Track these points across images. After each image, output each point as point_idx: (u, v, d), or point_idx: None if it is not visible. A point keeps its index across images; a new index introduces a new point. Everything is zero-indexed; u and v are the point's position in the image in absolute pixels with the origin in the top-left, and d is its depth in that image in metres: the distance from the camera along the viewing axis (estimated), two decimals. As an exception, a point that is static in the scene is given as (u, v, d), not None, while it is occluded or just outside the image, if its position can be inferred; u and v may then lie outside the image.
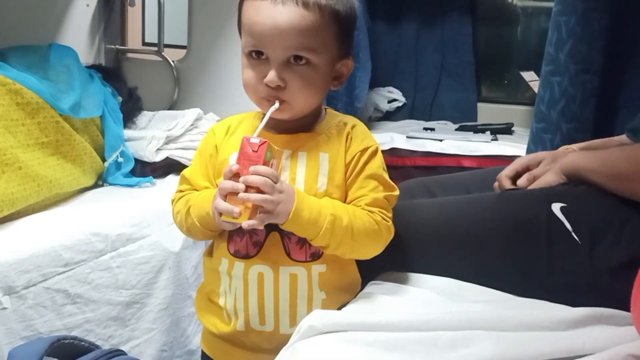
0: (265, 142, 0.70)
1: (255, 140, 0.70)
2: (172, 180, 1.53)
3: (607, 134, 1.12)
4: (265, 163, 0.70)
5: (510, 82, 2.52)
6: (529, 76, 2.13)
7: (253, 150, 0.70)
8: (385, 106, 2.52)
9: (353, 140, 0.81)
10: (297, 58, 0.75)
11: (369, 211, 0.78)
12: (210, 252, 0.86)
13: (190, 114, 1.64)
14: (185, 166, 1.24)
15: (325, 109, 0.86)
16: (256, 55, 0.76)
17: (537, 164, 0.97)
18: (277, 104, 0.76)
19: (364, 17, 2.14)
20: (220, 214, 0.71)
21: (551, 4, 1.40)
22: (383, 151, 2.04)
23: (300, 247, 0.79)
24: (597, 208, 0.80)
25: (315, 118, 0.84)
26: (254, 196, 0.69)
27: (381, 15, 2.54)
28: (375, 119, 2.54)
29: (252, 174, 0.69)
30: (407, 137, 2.13)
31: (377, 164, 0.81)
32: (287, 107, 0.77)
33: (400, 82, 2.58)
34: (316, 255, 0.80)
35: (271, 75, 0.74)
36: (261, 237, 0.79)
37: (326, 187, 0.79)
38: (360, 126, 0.84)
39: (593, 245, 0.78)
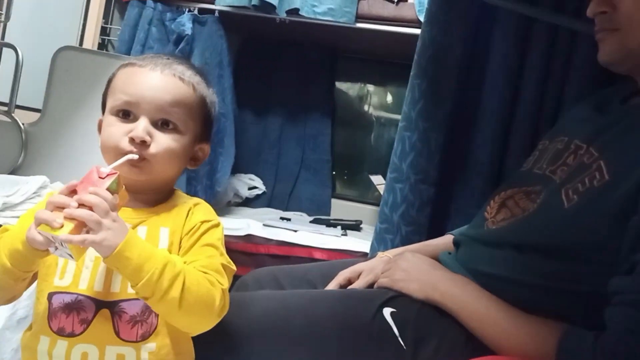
0: (116, 173, 0.67)
1: (105, 169, 0.67)
2: (1, 250, 1.38)
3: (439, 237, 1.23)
4: (109, 192, 0.66)
5: (362, 183, 2.70)
6: (377, 179, 2.30)
7: (99, 177, 0.66)
8: (245, 192, 2.55)
9: (194, 214, 0.80)
10: (165, 123, 0.77)
11: (203, 272, 0.74)
12: (29, 333, 0.78)
13: (35, 181, 1.52)
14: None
15: (175, 190, 0.86)
16: (123, 115, 0.77)
17: (357, 276, 1.04)
18: (136, 156, 0.74)
19: (232, 105, 2.21)
20: (39, 224, 0.64)
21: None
22: (239, 237, 2.08)
23: (131, 327, 0.74)
24: (421, 317, 0.85)
25: (164, 197, 0.83)
26: (80, 211, 0.63)
27: (249, 106, 2.63)
28: (235, 204, 2.56)
29: (90, 194, 0.65)
30: (264, 225, 2.16)
31: (217, 236, 0.79)
32: (146, 167, 0.76)
33: (261, 171, 2.65)
34: (147, 335, 0.75)
35: (138, 129, 0.74)
36: (89, 314, 0.74)
37: None
38: (205, 204, 0.84)
39: (416, 353, 0.82)
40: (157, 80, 0.77)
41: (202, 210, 0.82)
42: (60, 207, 0.64)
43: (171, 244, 0.77)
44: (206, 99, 0.83)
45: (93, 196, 0.65)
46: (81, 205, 0.64)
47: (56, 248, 0.65)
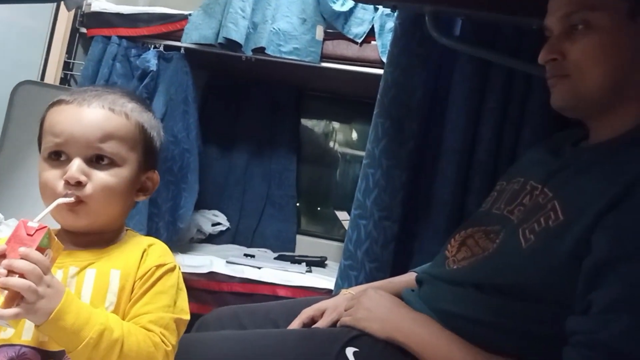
0: (45, 227, 0.62)
1: (33, 224, 0.62)
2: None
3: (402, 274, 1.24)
4: (40, 250, 0.61)
5: (327, 219, 2.70)
6: (342, 215, 2.31)
7: (28, 234, 0.61)
8: (208, 229, 2.52)
9: (149, 256, 0.76)
10: (100, 158, 0.73)
11: (148, 329, 0.70)
12: None
13: (-12, 217, 1.48)
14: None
15: (127, 229, 0.82)
16: (55, 157, 0.73)
17: (321, 314, 1.03)
18: (69, 199, 0.70)
19: (197, 140, 2.20)
20: None
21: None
22: (201, 274, 2.05)
23: None
24: (385, 356, 0.85)
25: (114, 236, 0.79)
26: (15, 280, 0.59)
27: (214, 141, 2.63)
28: (197, 240, 2.52)
29: (20, 258, 0.60)
30: (227, 262, 2.13)
31: (172, 282, 0.75)
32: (84, 211, 0.72)
33: (226, 207, 2.63)
34: None
35: (72, 170, 0.70)
36: None
37: (114, 307, 0.72)
38: (160, 245, 0.79)
39: None
40: (85, 115, 0.73)
41: (157, 252, 0.77)
42: None
43: (122, 288, 0.73)
44: (144, 125, 0.78)
45: (24, 262, 0.60)
46: (11, 272, 0.59)
47: None
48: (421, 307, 0.93)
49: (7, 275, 0.59)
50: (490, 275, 0.83)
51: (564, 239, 0.74)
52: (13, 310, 0.59)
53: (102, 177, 0.73)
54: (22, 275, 0.59)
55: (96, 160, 0.73)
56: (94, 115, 0.74)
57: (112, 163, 0.74)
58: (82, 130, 0.72)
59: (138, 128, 0.77)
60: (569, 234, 0.74)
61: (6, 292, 0.59)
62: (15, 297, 0.59)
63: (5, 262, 0.60)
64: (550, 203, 0.79)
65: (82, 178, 0.71)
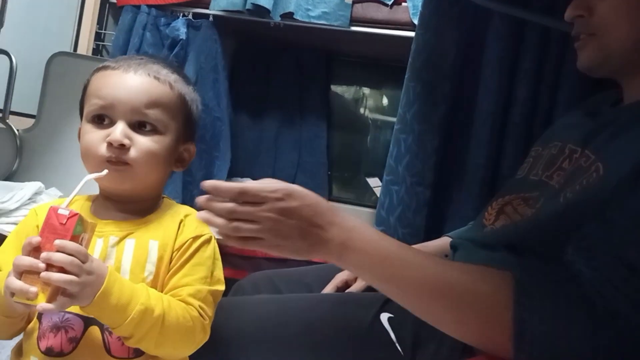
0: (77, 214, 0.62)
1: (64, 211, 0.61)
2: (-3, 257, 1.38)
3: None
4: (74, 238, 0.61)
5: (359, 186, 2.70)
6: (373, 182, 2.30)
7: (60, 223, 0.60)
8: (241, 196, 2.55)
9: (186, 227, 0.77)
10: (143, 125, 0.74)
11: (188, 303, 0.72)
12: (19, 351, 0.76)
13: (30, 187, 1.53)
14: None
15: (164, 197, 0.83)
16: (99, 120, 0.74)
17: (354, 279, 1.03)
18: (105, 171, 0.71)
19: (227, 109, 2.21)
20: (13, 294, 0.61)
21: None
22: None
23: (122, 343, 0.72)
24: (419, 321, 0.82)
25: (152, 205, 0.80)
26: (57, 276, 0.59)
27: (245, 110, 2.64)
28: (231, 207, 2.56)
29: (57, 251, 0.60)
30: (260, 228, 2.16)
31: (209, 254, 0.77)
32: (128, 173, 0.73)
33: (258, 174, 2.63)
34: (139, 351, 0.73)
35: (116, 133, 0.71)
36: (78, 332, 0.72)
37: (153, 277, 0.74)
38: (195, 216, 0.81)
39: (414, 358, 0.80)
40: (131, 81, 0.74)
41: (193, 222, 0.78)
42: (31, 271, 0.60)
43: (160, 258, 0.75)
44: (185, 96, 0.79)
45: (62, 256, 0.60)
46: (50, 266, 0.60)
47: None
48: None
49: (46, 269, 0.60)
50: (527, 236, 0.82)
51: (604, 189, 0.71)
52: (59, 302, 0.61)
53: (145, 142, 0.74)
54: (61, 269, 0.60)
55: (139, 126, 0.74)
56: (139, 81, 0.75)
57: (155, 130, 0.75)
58: (128, 96, 0.73)
59: (180, 98, 0.78)
60: (609, 184, 0.71)
61: (45, 285, 0.60)
62: (58, 290, 0.60)
63: (43, 255, 0.60)
64: (594, 165, 0.77)
65: (126, 141, 0.72)
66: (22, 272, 0.61)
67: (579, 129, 0.87)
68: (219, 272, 0.79)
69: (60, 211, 0.61)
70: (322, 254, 0.70)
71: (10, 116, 1.85)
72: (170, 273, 0.75)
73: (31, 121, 1.86)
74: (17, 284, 0.60)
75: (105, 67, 0.77)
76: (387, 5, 1.93)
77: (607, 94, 0.94)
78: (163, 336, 0.69)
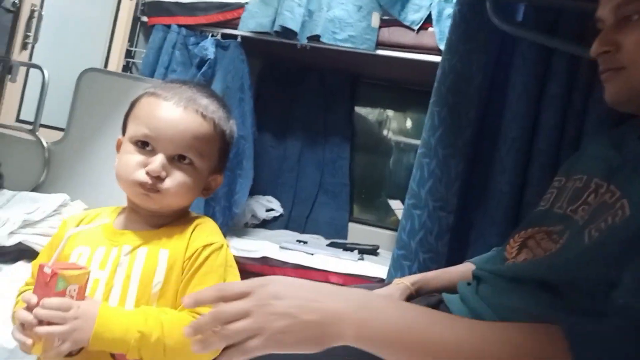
0: (56, 273, 0.67)
1: (47, 270, 0.67)
2: (21, 267, 1.40)
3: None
4: (60, 293, 0.68)
5: (380, 207, 2.69)
6: (395, 204, 2.29)
7: (44, 282, 0.67)
8: (262, 214, 2.56)
9: (197, 236, 0.79)
10: (182, 158, 0.77)
11: (198, 313, 0.71)
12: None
13: (55, 199, 1.56)
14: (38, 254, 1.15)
15: (189, 213, 0.85)
16: (142, 145, 0.77)
17: None
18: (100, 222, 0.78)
19: (252, 128, 2.23)
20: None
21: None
22: (255, 259, 2.07)
23: None
24: None
25: (174, 219, 0.82)
26: (43, 329, 0.66)
27: (269, 129, 2.66)
28: (252, 225, 2.57)
29: (41, 309, 0.67)
30: (280, 247, 2.16)
31: (220, 262, 0.77)
32: (158, 198, 0.77)
33: (280, 193, 2.67)
34: None
35: (156, 164, 0.75)
36: None
37: (161, 286, 0.76)
38: (207, 223, 0.82)
39: None
40: (179, 117, 0.78)
41: (204, 231, 0.80)
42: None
43: (170, 267, 0.76)
44: (225, 134, 0.84)
45: (44, 312, 0.66)
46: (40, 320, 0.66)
47: None
48: (479, 304, 0.91)
49: (38, 323, 0.66)
50: (550, 273, 0.80)
51: (629, 230, 0.70)
52: (54, 351, 0.67)
53: (180, 175, 0.78)
54: (50, 321, 0.67)
55: (178, 159, 0.78)
56: (186, 118, 0.78)
57: (191, 164, 0.78)
58: (174, 133, 0.77)
59: (221, 136, 0.83)
60: (633, 224, 0.70)
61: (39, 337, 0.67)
62: (51, 339, 0.67)
63: (34, 312, 0.67)
64: (619, 202, 0.75)
65: (163, 174, 0.76)
66: (22, 324, 0.67)
67: (605, 162, 0.86)
68: (234, 280, 0.79)
69: (45, 269, 0.67)
70: (335, 327, 0.59)
71: (40, 129, 1.90)
72: (183, 283, 0.77)
73: (60, 134, 1.90)
74: (17, 335, 0.68)
75: (157, 95, 0.80)
76: (413, 30, 1.95)
77: (634, 123, 0.92)
78: (172, 352, 0.71)
